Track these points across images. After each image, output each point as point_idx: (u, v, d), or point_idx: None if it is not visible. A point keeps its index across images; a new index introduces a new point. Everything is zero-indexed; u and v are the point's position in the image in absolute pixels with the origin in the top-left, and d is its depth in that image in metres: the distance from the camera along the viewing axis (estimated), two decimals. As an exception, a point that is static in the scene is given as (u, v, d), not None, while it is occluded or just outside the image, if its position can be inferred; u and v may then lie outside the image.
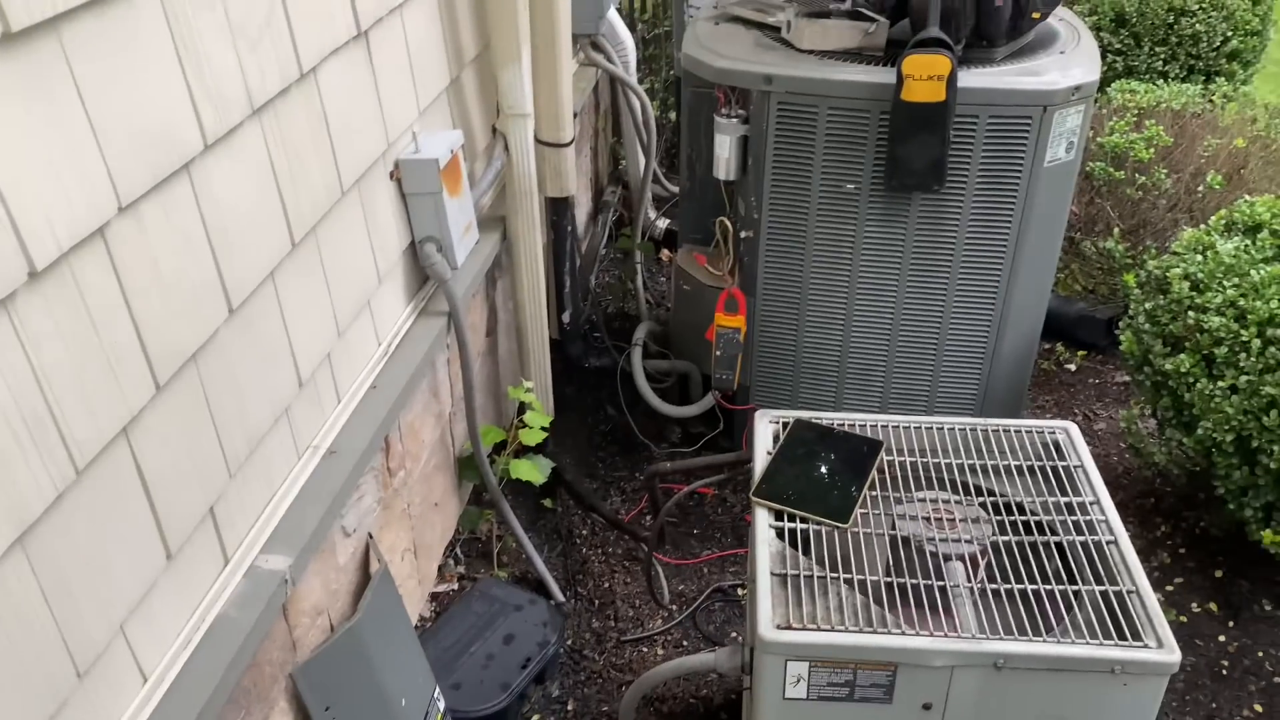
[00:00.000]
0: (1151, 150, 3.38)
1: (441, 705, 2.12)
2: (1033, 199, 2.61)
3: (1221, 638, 2.55)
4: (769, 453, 1.96)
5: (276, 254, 1.66)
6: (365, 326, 2.05)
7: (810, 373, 2.99)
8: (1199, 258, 2.52)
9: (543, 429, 2.67)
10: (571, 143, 2.80)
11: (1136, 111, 3.68)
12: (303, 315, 1.76)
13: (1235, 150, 3.43)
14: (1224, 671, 2.47)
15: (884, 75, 2.52)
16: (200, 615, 1.52)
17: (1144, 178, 3.35)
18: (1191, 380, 2.38)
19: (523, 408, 2.67)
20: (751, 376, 3.05)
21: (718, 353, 2.92)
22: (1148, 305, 2.60)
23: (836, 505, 1.82)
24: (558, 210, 2.91)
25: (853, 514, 1.80)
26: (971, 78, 2.51)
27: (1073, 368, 3.65)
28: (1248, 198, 2.69)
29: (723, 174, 2.80)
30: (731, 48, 2.74)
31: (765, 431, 2.02)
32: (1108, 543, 1.75)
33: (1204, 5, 4.23)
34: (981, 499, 1.88)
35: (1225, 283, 2.40)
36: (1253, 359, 2.26)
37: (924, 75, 2.40)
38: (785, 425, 2.03)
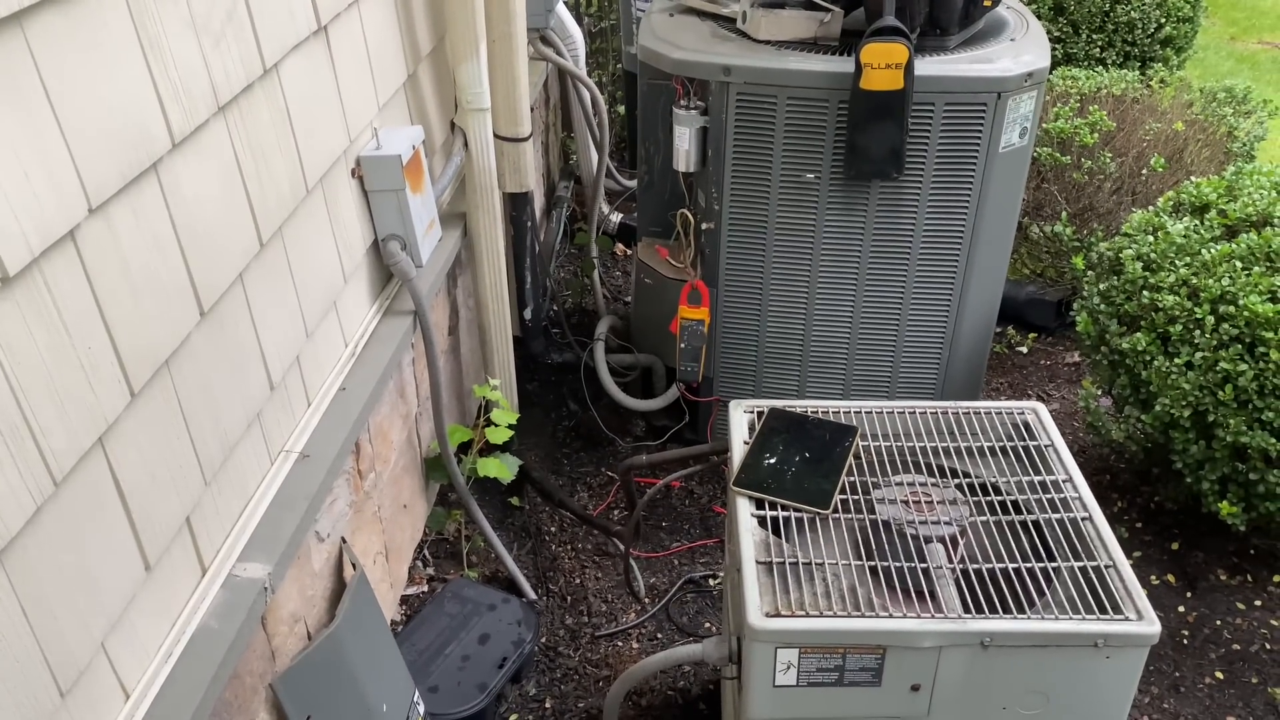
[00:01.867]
0: (1095, 135, 3.46)
1: (421, 709, 2.10)
2: (988, 184, 2.65)
3: (1181, 608, 2.62)
4: (745, 442, 1.96)
5: (245, 255, 1.62)
6: (332, 327, 2.01)
7: (774, 362, 3.00)
8: (1150, 238, 2.58)
9: (509, 427, 2.65)
10: (529, 137, 2.78)
11: (1079, 97, 3.76)
12: (272, 317, 1.72)
13: (1174, 133, 3.52)
14: (1185, 641, 2.54)
15: (842, 64, 2.54)
16: (180, 627, 1.48)
17: (1089, 162, 3.42)
18: (1148, 358, 2.44)
19: (488, 405, 2.65)
20: (715, 368, 3.05)
21: (682, 345, 2.93)
22: (1102, 286, 2.66)
23: (816, 492, 1.83)
24: (517, 205, 2.89)
25: (833, 500, 1.81)
26: (927, 65, 2.54)
27: (1024, 350, 3.72)
28: (1192, 179, 2.76)
29: (682, 166, 2.80)
30: (688, 39, 2.74)
31: (740, 421, 2.02)
32: (1082, 519, 1.78)
33: (1137, -8, 4.34)
34: (956, 480, 1.90)
35: (1177, 262, 2.47)
36: (1206, 335, 2.32)
37: (882, 64, 2.42)
38: (760, 415, 2.03)
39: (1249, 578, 2.67)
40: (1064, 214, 3.47)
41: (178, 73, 1.40)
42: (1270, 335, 2.22)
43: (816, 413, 2.04)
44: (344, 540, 2.04)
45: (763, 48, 2.68)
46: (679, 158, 2.79)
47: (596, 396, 3.26)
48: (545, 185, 4.30)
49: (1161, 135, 3.50)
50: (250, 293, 1.65)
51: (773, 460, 1.90)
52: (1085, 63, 4.39)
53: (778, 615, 1.61)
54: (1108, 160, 3.40)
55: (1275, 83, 6.74)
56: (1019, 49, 2.65)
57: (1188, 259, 2.45)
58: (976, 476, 1.92)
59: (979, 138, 2.59)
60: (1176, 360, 2.37)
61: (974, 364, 3.01)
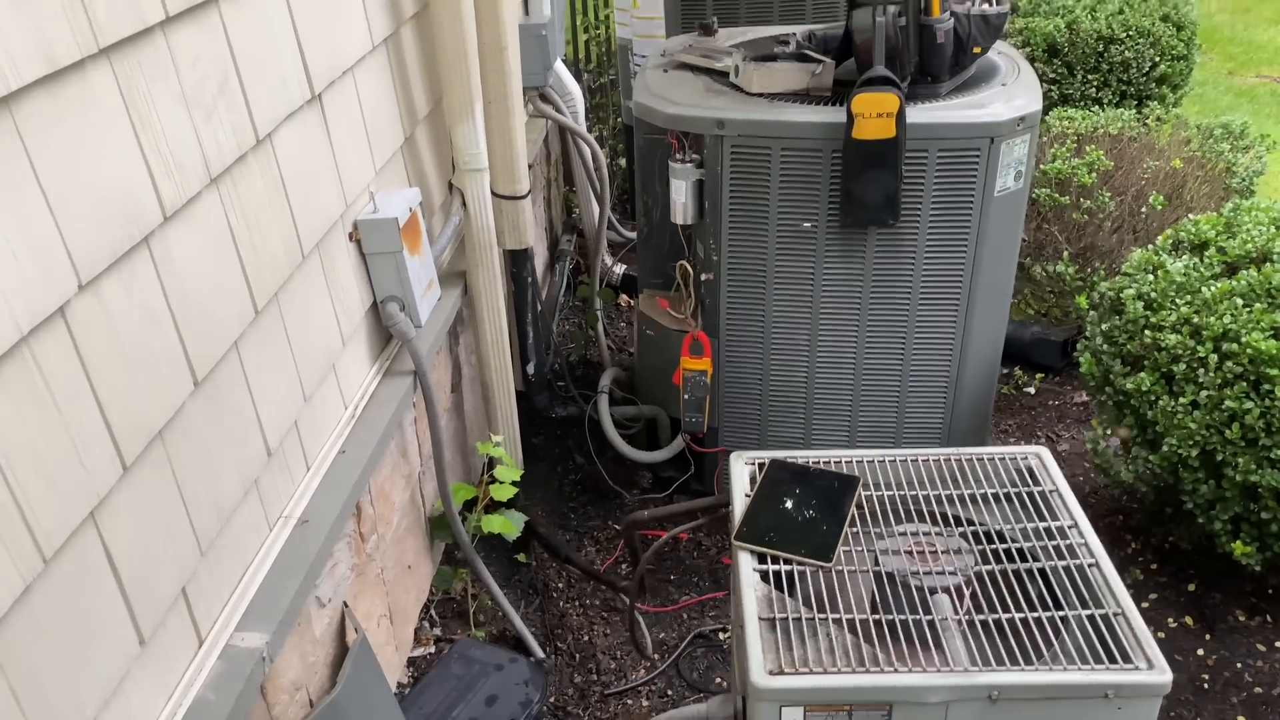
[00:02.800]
0: (1093, 174, 3.46)
1: (427, 775, 2.07)
2: (985, 228, 2.65)
3: (1200, 651, 2.57)
4: (747, 495, 1.94)
5: (239, 323, 1.63)
6: (331, 390, 2.02)
7: (778, 411, 2.99)
8: (1150, 277, 2.58)
9: (513, 483, 2.64)
10: (528, 195, 2.80)
11: (1076, 137, 3.77)
12: (268, 383, 1.73)
13: (1173, 171, 3.52)
14: (1205, 685, 2.49)
15: (834, 114, 2.56)
16: (176, 701, 1.46)
17: (1088, 201, 3.43)
18: (1153, 398, 2.42)
19: (492, 462, 2.64)
20: (720, 418, 3.04)
21: (686, 396, 2.92)
22: (1104, 326, 2.64)
23: (819, 544, 1.81)
24: (517, 262, 2.90)
25: (835, 552, 1.79)
26: (919, 113, 2.56)
27: (1032, 390, 3.70)
28: (1191, 216, 2.76)
29: (680, 219, 2.81)
30: (682, 94, 2.77)
31: (741, 474, 2.01)
32: (1089, 565, 1.75)
33: (1131, 33, 4.37)
34: (961, 529, 1.88)
35: (1178, 300, 2.46)
36: (1211, 374, 2.30)
37: (873, 113, 2.44)
38: (761, 466, 2.02)
39: (1268, 618, 2.61)
40: (1065, 254, 3.47)
41: (169, 147, 1.42)
42: (1275, 372, 2.20)
43: (818, 463, 2.03)
44: (346, 605, 2.03)
45: (756, 100, 2.70)
46: (676, 211, 2.81)
47: (602, 449, 3.25)
48: (549, 239, 4.33)
49: (1159, 173, 3.51)
50: (245, 360, 1.65)
51: (774, 513, 1.89)
52: (1082, 103, 4.42)
53: (781, 673, 1.58)
54: (1106, 199, 3.40)
55: (1275, 116, 6.76)
56: (1011, 93, 2.67)
57: (1188, 297, 2.44)
58: (981, 524, 1.90)
59: (974, 182, 2.59)
60: (1181, 400, 2.35)
61: (980, 407, 2.99)
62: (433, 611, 2.63)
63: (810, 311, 2.82)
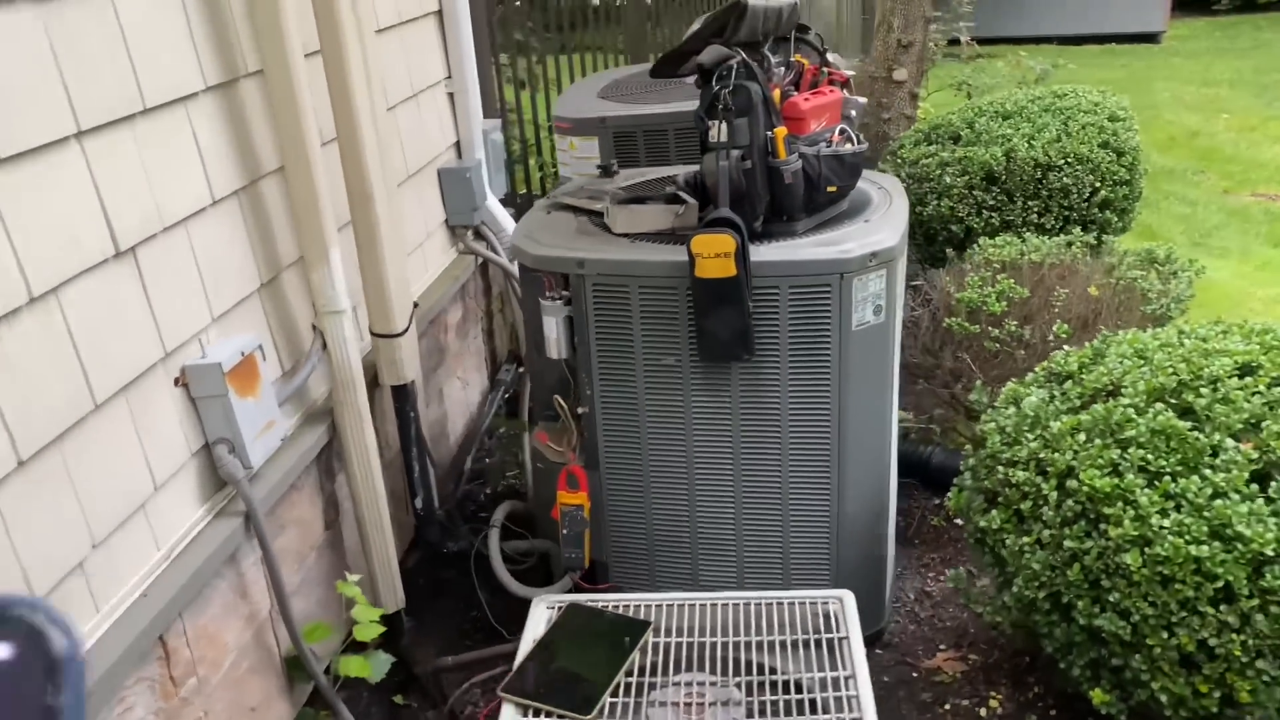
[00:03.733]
0: (1003, 303, 3.44)
1: None
2: (847, 362, 2.64)
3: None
4: (535, 640, 1.92)
5: (-3, 472, 1.69)
6: (139, 533, 2.05)
7: (664, 549, 2.96)
8: (1010, 410, 2.53)
9: (377, 622, 2.63)
10: (404, 333, 2.88)
11: (1001, 264, 3.77)
12: (36, 533, 1.77)
13: (1088, 297, 3.49)
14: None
15: (684, 254, 2.61)
16: None
17: (996, 330, 3.40)
18: (1003, 537, 2.35)
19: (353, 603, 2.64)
20: (608, 553, 3.01)
21: (564, 531, 2.91)
22: (971, 461, 2.59)
23: (584, 696, 1.77)
24: (399, 397, 2.96)
25: (598, 704, 1.75)
26: (770, 251, 2.59)
27: (961, 521, 3.60)
28: (1064, 349, 2.72)
29: (554, 354, 2.86)
30: (551, 235, 2.85)
31: (540, 618, 1.99)
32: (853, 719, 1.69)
33: (1069, 160, 4.39)
34: (749, 678, 1.83)
35: (1029, 435, 2.40)
36: (1052, 512, 2.23)
37: (711, 253, 2.48)
38: (561, 610, 2.00)
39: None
40: (978, 382, 3.42)
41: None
42: (1110, 511, 2.13)
43: (617, 607, 2.00)
44: (144, 751, 2.02)
45: (618, 241, 2.77)
46: (549, 346, 2.85)
47: (499, 585, 3.22)
48: (490, 369, 4.40)
49: (1072, 300, 3.47)
50: (4, 509, 1.70)
51: (551, 661, 1.86)
52: (1024, 228, 4.41)
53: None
54: (1014, 328, 3.37)
55: (1264, 235, 6.67)
56: (870, 230, 2.70)
57: (1040, 431, 2.39)
58: (772, 672, 1.84)
59: (828, 318, 2.60)
60: (1026, 539, 2.28)
61: (869, 545, 2.92)
62: (291, 754, 2.59)
63: (685, 446, 2.81)
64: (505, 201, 4.30)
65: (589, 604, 1.98)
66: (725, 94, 2.55)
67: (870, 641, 2.96)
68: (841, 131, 2.77)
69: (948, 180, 4.53)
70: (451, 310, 3.93)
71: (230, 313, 2.37)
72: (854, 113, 2.84)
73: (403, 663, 2.92)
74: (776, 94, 2.68)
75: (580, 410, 2.88)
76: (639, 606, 1.98)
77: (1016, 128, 4.63)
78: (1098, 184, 4.42)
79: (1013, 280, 3.53)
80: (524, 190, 5.49)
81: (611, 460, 2.89)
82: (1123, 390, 2.36)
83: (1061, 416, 2.39)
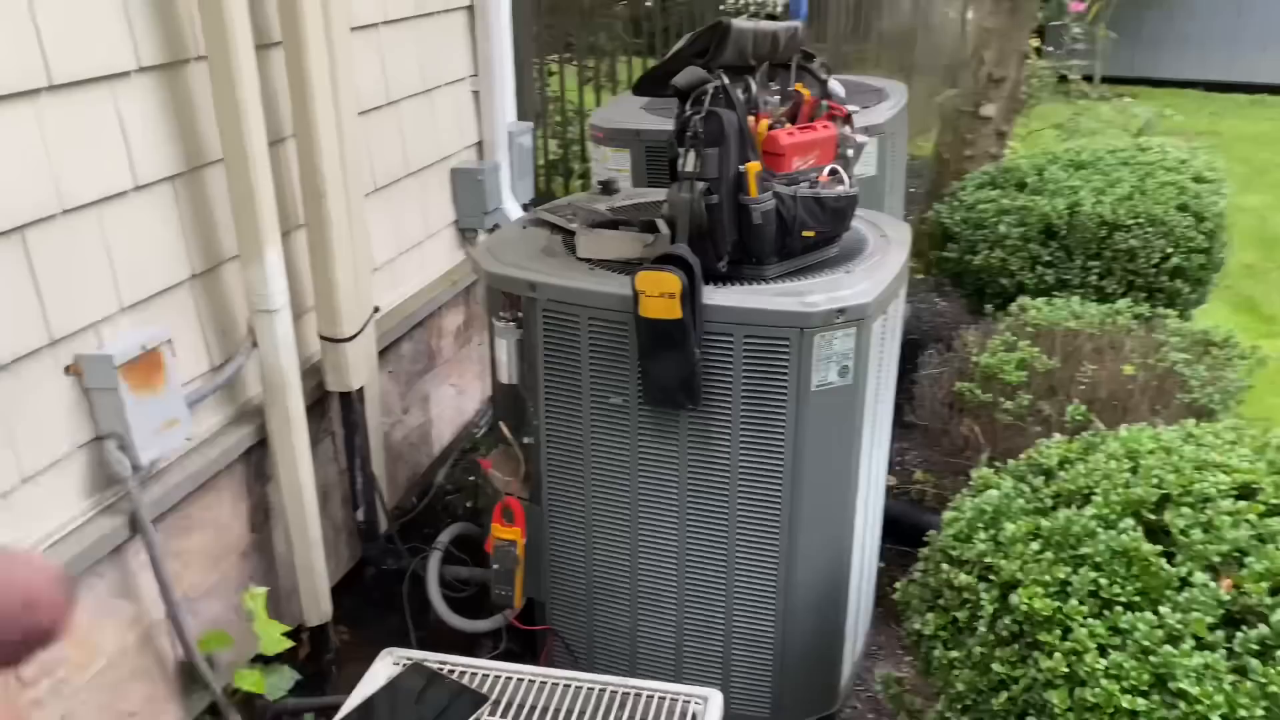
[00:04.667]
0: (1023, 373, 3.13)
1: None
2: (804, 425, 2.40)
3: None
4: (361, 699, 1.76)
5: None
6: (-2, 526, 1.98)
7: (603, 595, 2.76)
8: (972, 502, 2.26)
9: (282, 636, 2.52)
10: (353, 338, 2.76)
11: (1035, 330, 3.45)
12: None
13: (1122, 377, 3.14)
14: None
15: (636, 288, 2.41)
16: None
17: (1008, 401, 3.09)
18: (934, 646, 2.08)
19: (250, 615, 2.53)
20: (545, 594, 2.84)
21: (495, 567, 2.74)
22: (925, 550, 2.32)
23: (385, 773, 1.60)
24: (345, 405, 2.85)
25: (396, 786, 1.58)
26: (727, 295, 2.38)
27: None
28: (1046, 440, 2.42)
29: (504, 377, 2.70)
30: (513, 253, 2.69)
31: (378, 674, 1.83)
32: None
33: (1140, 220, 4.01)
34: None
35: (983, 534, 2.13)
36: (985, 628, 1.96)
37: (656, 292, 2.28)
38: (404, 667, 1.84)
39: None
40: (983, 456, 3.12)
41: None
42: (1046, 638, 1.85)
43: (461, 674, 1.82)
44: (-28, 752, 1.94)
45: (578, 266, 2.59)
46: (500, 369, 2.70)
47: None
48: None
49: (1103, 378, 3.13)
50: None
51: (368, 727, 1.70)
52: (1082, 290, 4.05)
53: None
54: (1026, 401, 3.06)
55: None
56: (847, 282, 2.45)
57: (993, 532, 2.11)
58: (610, 775, 1.64)
59: (785, 374, 2.37)
60: (956, 652, 2.01)
61: (823, 614, 2.66)
62: (177, 763, 2.50)
63: (630, 490, 2.61)
64: (531, 207, 4.17)
65: (434, 666, 1.81)
66: (696, 120, 2.34)
67: (814, 729, 2.72)
68: (832, 172, 2.53)
69: (1003, 229, 4.19)
70: (449, 314, 3.81)
71: (148, 302, 2.29)
72: (851, 151, 2.59)
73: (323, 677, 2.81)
74: (763, 125, 2.46)
75: (525, 440, 2.71)
76: (487, 676, 1.80)
77: (1087, 180, 4.26)
78: (1170, 249, 4.02)
79: (1040, 349, 3.21)
80: (564, 197, 5.35)
81: (555, 496, 2.71)
82: (1094, 496, 2.07)
83: (1021, 518, 2.11)
